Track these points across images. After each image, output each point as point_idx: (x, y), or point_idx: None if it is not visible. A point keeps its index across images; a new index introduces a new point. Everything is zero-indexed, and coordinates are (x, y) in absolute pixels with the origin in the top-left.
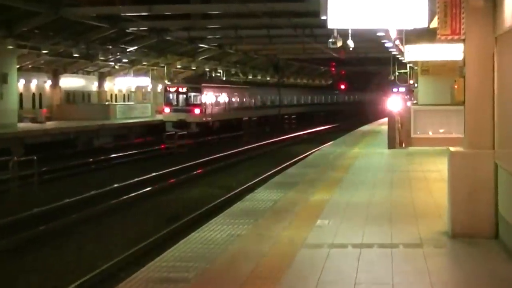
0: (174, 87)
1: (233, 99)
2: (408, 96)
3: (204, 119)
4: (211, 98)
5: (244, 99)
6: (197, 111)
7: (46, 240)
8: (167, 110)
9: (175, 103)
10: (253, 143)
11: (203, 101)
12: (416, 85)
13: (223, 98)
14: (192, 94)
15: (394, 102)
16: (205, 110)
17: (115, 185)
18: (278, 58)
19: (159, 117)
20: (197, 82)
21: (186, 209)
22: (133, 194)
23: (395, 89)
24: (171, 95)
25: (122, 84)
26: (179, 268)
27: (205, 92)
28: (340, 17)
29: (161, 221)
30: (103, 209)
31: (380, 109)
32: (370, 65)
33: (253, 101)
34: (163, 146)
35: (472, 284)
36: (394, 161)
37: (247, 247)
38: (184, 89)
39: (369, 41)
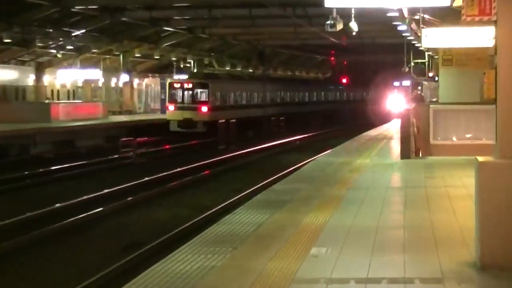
0: (179, 83)
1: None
2: (415, 92)
3: (212, 117)
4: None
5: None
6: (204, 108)
7: None
8: (171, 108)
9: (180, 100)
10: (232, 151)
11: (210, 98)
12: (436, 78)
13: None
14: (199, 90)
15: (399, 100)
16: (214, 107)
17: (57, 205)
18: (263, 45)
19: (113, 118)
20: (204, 78)
21: (148, 234)
22: (81, 216)
23: (396, 83)
24: (178, 92)
25: (66, 77)
26: None
27: (213, 88)
28: None
29: (116, 250)
30: (40, 236)
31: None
32: (378, 53)
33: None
34: (119, 156)
35: None
36: (409, 175)
37: (223, 282)
38: (190, 85)
39: (378, 23)
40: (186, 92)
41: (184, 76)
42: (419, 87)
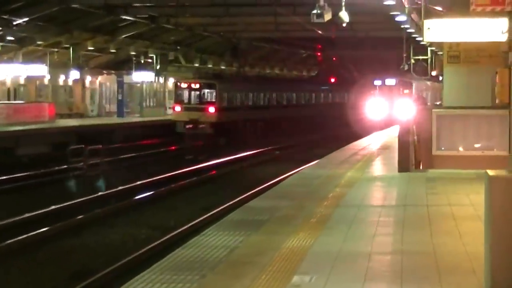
0: (186, 83)
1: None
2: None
3: (219, 118)
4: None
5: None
6: (211, 109)
7: None
8: (177, 108)
9: (187, 101)
10: (200, 162)
11: (217, 99)
12: (440, 77)
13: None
14: (206, 90)
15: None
16: (221, 108)
17: None
18: (238, 38)
19: (61, 122)
20: (212, 78)
21: (99, 259)
22: (20, 238)
23: (377, 82)
24: (184, 92)
25: (5, 73)
26: None
27: (220, 89)
28: None
29: (62, 278)
30: None
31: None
32: (373, 48)
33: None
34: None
35: None
36: (407, 190)
37: None
38: (197, 86)
39: (372, 14)
40: (193, 93)
41: (147, 73)
42: (412, 87)
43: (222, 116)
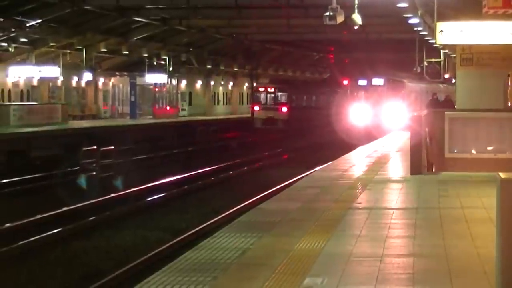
0: (263, 87)
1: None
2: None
3: (290, 116)
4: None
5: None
6: (284, 109)
7: None
8: (256, 108)
9: (264, 102)
10: (212, 164)
11: (288, 101)
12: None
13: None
14: (280, 93)
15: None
16: (291, 108)
17: (8, 225)
18: (251, 40)
19: (74, 123)
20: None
21: (110, 262)
22: (32, 239)
23: (362, 81)
24: (261, 95)
25: (18, 75)
26: None
27: (290, 92)
28: None
29: (74, 280)
30: None
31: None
32: (386, 50)
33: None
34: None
35: None
36: (419, 193)
37: None
38: (273, 89)
39: (386, 16)
40: (268, 95)
41: (159, 75)
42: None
43: (291, 114)
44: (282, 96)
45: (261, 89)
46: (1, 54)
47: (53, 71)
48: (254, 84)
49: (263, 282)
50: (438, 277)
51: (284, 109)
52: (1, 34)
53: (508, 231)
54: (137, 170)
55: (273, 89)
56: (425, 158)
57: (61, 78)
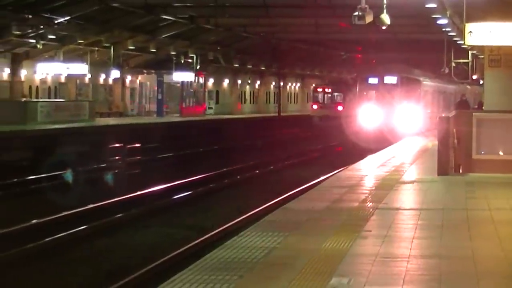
0: (321, 87)
1: None
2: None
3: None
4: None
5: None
6: (340, 107)
7: None
8: (315, 106)
9: (322, 101)
10: (240, 162)
11: (344, 100)
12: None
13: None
14: (336, 93)
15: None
16: (345, 107)
17: (33, 222)
18: (278, 39)
19: (101, 121)
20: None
21: (134, 260)
22: (57, 236)
23: (372, 80)
24: (319, 95)
25: (46, 72)
26: None
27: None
28: None
29: (98, 277)
30: (15, 256)
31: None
32: (414, 51)
33: None
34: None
35: None
36: (447, 194)
37: None
38: (330, 90)
39: (414, 16)
40: (326, 95)
41: (187, 74)
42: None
43: (346, 112)
44: (337, 96)
45: (319, 90)
46: (29, 51)
47: (80, 68)
48: (313, 85)
49: (289, 282)
50: (465, 279)
51: (340, 107)
52: (30, 31)
53: None
54: (172, 167)
55: (330, 90)
56: (453, 159)
57: (89, 76)
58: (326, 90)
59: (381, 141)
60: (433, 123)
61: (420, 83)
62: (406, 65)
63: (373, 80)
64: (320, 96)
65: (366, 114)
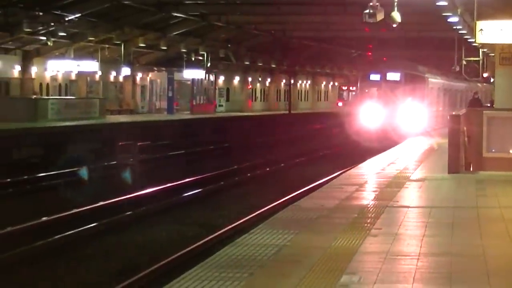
0: (345, 86)
1: None
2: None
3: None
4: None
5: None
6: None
7: None
8: (340, 104)
9: (346, 99)
10: (251, 159)
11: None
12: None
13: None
14: None
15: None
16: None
17: (44, 219)
18: (289, 36)
19: (112, 118)
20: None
21: (145, 257)
22: (68, 233)
23: (373, 76)
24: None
25: (57, 69)
26: None
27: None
28: None
29: (108, 274)
30: (26, 253)
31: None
32: (424, 48)
33: None
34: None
35: None
36: (457, 192)
37: None
38: (354, 88)
39: (424, 14)
40: (350, 93)
41: (197, 71)
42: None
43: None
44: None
45: (344, 88)
46: (40, 48)
47: (91, 66)
48: (336, 84)
49: (299, 279)
50: (476, 277)
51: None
52: (40, 28)
53: None
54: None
55: (354, 88)
56: (463, 157)
57: (99, 73)
58: (351, 88)
59: (382, 141)
60: (439, 122)
61: (425, 80)
62: (410, 61)
63: (374, 77)
64: (344, 94)
65: (367, 113)
